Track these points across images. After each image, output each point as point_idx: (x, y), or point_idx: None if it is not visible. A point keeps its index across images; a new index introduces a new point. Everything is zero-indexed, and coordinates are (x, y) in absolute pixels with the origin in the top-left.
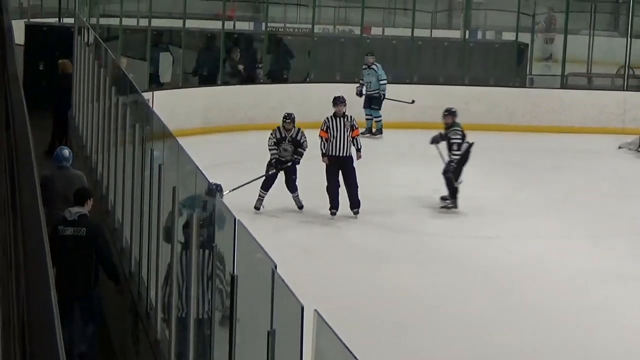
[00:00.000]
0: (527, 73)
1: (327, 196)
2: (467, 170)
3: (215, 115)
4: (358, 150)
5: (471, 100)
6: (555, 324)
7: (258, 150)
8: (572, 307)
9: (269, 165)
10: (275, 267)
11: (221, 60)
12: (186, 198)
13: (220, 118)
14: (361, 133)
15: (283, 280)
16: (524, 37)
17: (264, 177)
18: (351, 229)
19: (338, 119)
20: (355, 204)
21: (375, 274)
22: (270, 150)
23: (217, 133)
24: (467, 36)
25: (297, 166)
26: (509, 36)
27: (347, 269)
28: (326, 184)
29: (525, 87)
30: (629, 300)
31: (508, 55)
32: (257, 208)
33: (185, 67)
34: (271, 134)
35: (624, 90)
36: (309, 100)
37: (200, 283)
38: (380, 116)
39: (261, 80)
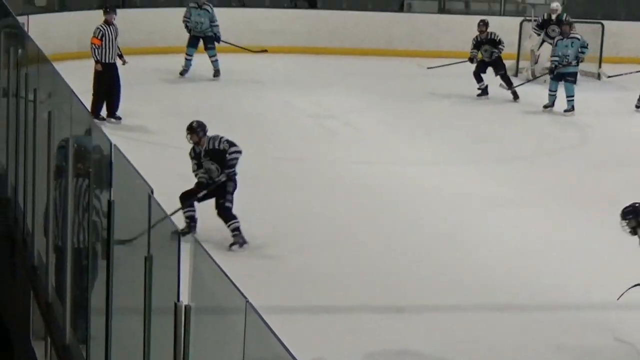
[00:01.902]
0: None
1: None
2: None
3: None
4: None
5: (349, 25)
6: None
7: (131, 75)
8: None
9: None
10: (152, 191)
11: None
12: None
13: None
14: (180, 73)
15: (159, 205)
16: None
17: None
18: None
19: (112, 27)
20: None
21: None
22: (196, 177)
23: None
24: None
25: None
26: None
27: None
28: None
29: (403, 11)
30: (507, 223)
31: None
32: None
33: None
34: (190, 155)
35: (500, 15)
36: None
37: (77, 212)
38: (216, 55)
39: (137, 4)
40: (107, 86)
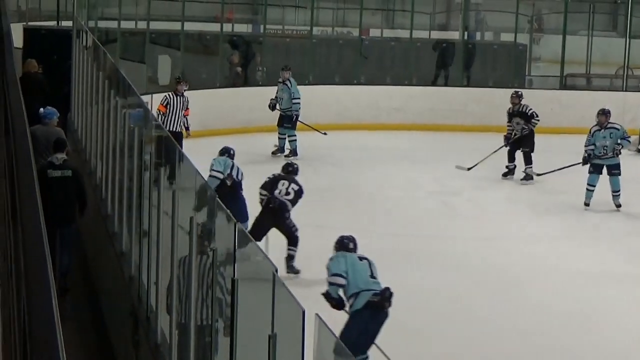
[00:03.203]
0: (526, 74)
1: None
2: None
3: (212, 117)
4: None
5: (470, 102)
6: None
7: (253, 152)
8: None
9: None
10: (276, 270)
11: (219, 63)
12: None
13: (218, 121)
14: (273, 153)
15: (284, 284)
16: (522, 38)
17: None
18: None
19: (179, 97)
20: None
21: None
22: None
23: (214, 136)
24: (465, 37)
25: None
26: (507, 37)
27: None
28: None
29: (524, 87)
30: (625, 299)
31: (507, 56)
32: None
33: (184, 70)
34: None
35: (623, 90)
36: (310, 102)
37: (200, 289)
38: (295, 135)
39: (260, 83)
40: None
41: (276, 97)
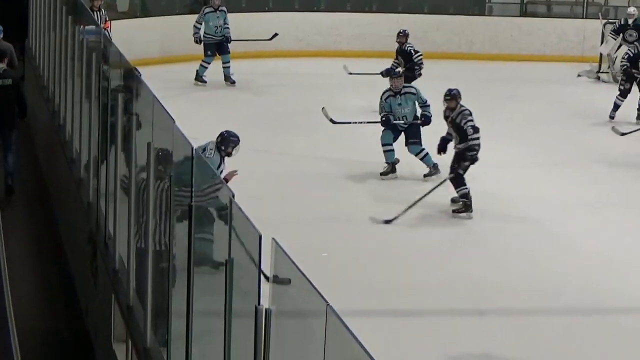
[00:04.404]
0: (487, 0)
1: None
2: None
3: (173, 44)
4: None
5: (430, 29)
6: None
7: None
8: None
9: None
10: (233, 196)
11: None
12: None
13: (179, 47)
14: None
15: (240, 209)
16: None
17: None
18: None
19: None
20: None
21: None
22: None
23: (175, 63)
24: None
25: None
26: None
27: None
28: None
29: (484, 14)
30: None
31: None
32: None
33: None
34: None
35: (583, 18)
36: (270, 28)
37: (158, 214)
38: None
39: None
40: None
41: (199, 26)
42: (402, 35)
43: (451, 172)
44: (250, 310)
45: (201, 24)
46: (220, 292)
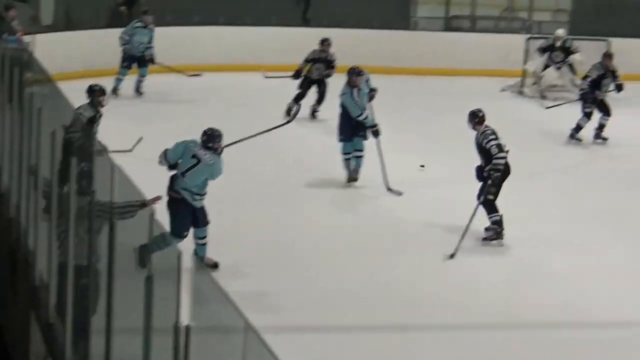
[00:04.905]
0: (411, 15)
1: None
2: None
3: (96, 58)
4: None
5: (355, 43)
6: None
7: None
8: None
9: None
10: (153, 215)
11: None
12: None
13: (102, 62)
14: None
15: (160, 224)
16: None
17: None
18: None
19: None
20: None
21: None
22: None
23: (99, 77)
24: None
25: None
26: None
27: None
28: None
29: (409, 29)
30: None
31: None
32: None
33: (68, 9)
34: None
35: (507, 33)
36: (197, 43)
37: (79, 229)
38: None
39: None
40: None
41: (128, 38)
42: (327, 44)
43: (478, 197)
44: (171, 328)
45: (129, 37)
46: (141, 308)
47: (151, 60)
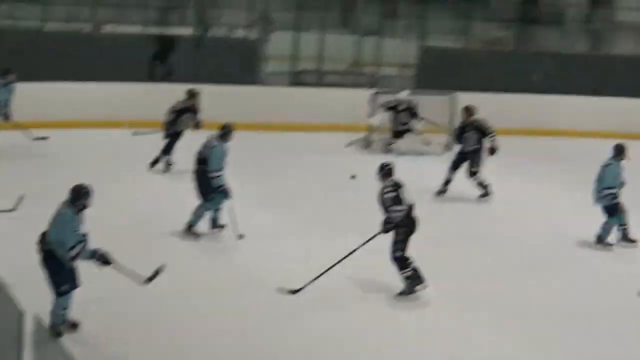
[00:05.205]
0: (258, 70)
1: None
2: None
3: None
4: None
5: (205, 99)
6: None
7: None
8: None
9: None
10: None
11: None
12: None
13: None
14: None
15: (4, 286)
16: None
17: None
18: None
19: None
20: None
21: None
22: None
23: None
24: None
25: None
26: (240, 34)
27: None
28: None
29: (256, 84)
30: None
31: (239, 52)
32: None
33: None
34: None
35: (352, 87)
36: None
37: None
38: None
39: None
40: None
41: None
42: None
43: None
44: None
45: None
46: None
47: (6, 117)
